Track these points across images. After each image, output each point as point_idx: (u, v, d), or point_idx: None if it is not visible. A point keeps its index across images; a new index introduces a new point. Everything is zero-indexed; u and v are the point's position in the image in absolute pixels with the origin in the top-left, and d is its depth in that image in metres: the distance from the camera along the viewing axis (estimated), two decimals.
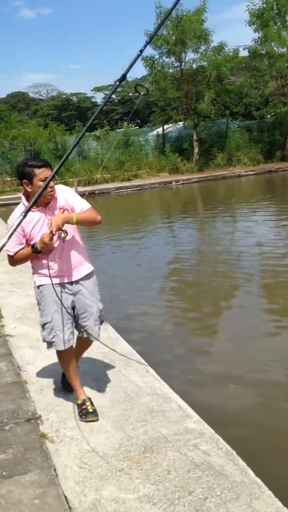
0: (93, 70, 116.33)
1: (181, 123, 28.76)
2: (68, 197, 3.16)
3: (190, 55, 24.08)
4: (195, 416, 3.10)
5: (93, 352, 4.21)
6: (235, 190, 21.07)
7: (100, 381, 3.65)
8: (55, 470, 2.57)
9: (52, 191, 3.08)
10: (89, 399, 3.23)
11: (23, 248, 3.13)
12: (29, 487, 2.41)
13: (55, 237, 3.00)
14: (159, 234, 12.25)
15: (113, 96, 66.20)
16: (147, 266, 8.93)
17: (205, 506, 2.26)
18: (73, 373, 3.27)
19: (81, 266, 3.25)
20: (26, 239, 3.12)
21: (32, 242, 3.09)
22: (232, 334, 5.43)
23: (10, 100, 67.87)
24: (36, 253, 3.06)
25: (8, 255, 3.17)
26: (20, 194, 3.29)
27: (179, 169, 24.39)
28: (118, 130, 30.70)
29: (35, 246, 3.03)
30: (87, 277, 3.27)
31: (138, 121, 61.64)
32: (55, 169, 2.76)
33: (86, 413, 3.12)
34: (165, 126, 29.23)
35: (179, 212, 15.94)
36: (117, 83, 2.74)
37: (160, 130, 28.32)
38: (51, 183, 3.03)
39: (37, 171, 3.01)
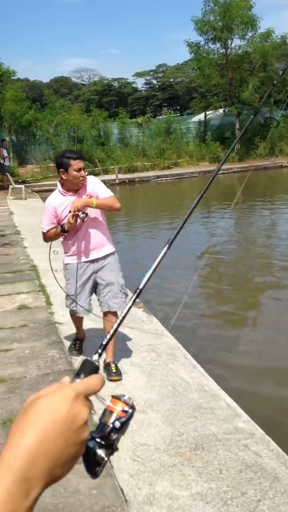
0: (134, 55, 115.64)
1: (221, 110, 28.31)
2: (95, 186, 3.68)
3: (236, 42, 23.62)
4: (244, 415, 3.12)
5: (140, 344, 4.28)
6: (277, 181, 20.64)
7: (147, 374, 3.71)
8: (110, 461, 2.65)
9: (83, 180, 3.61)
10: (114, 362, 3.75)
11: (55, 227, 3.67)
12: (86, 477, 2.48)
13: (78, 219, 3.52)
14: (200, 224, 12.18)
15: (154, 81, 65.89)
16: (182, 256, 8.92)
17: (259, 508, 2.29)
18: (80, 330, 4.11)
19: (103, 247, 3.74)
20: (57, 219, 3.66)
21: (62, 223, 3.61)
22: (276, 330, 5.39)
23: (53, 85, 68.52)
24: (64, 232, 3.62)
25: (42, 232, 3.76)
26: None
27: (219, 158, 24.06)
28: (160, 117, 30.49)
29: (63, 226, 3.57)
30: (109, 256, 3.75)
31: (178, 107, 61.04)
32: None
33: (110, 373, 3.65)
34: (206, 113, 28.83)
35: (218, 202, 15.78)
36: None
37: (201, 117, 27.95)
38: (83, 173, 3.59)
39: (73, 162, 3.54)
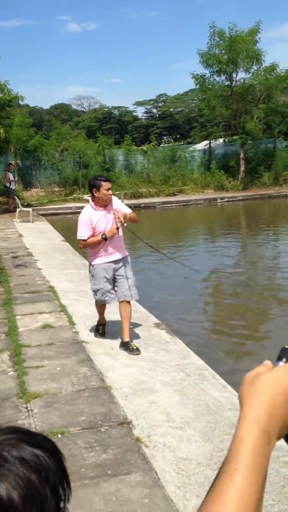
0: (136, 84, 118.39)
1: (221, 140, 28.92)
2: (118, 204, 4.78)
3: (241, 75, 24.29)
4: None
5: (168, 364, 4.38)
6: (281, 210, 20.96)
7: (180, 393, 3.80)
8: (156, 473, 2.73)
9: (110, 197, 4.64)
10: (131, 340, 4.70)
11: (92, 235, 4.59)
12: (136, 487, 2.57)
13: (120, 230, 4.62)
14: (207, 249, 12.36)
15: (154, 110, 67.35)
16: (192, 278, 9.06)
17: None
18: (103, 316, 5.06)
19: (121, 251, 4.77)
20: (93, 228, 4.58)
21: (97, 232, 4.58)
22: None
23: (54, 111, 69.79)
24: (105, 240, 4.58)
25: (81, 240, 4.64)
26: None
27: (224, 186, 24.43)
28: (164, 145, 31.09)
29: (105, 234, 4.55)
30: (125, 259, 4.81)
31: (178, 136, 62.15)
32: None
33: (132, 349, 4.58)
34: (205, 142, 29.42)
35: (223, 229, 16.01)
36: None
37: (203, 146, 28.52)
38: (110, 192, 4.63)
39: (103, 183, 4.57)
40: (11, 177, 19.25)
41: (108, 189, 4.56)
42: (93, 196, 4.65)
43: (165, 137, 57.95)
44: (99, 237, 4.56)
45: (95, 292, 4.78)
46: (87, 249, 4.85)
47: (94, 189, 4.56)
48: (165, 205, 21.86)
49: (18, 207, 16.79)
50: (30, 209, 16.92)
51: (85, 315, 5.88)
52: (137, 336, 5.10)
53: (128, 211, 4.72)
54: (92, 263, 4.75)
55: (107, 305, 4.99)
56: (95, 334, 5.08)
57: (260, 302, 7.63)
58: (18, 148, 23.22)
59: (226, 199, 22.61)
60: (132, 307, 4.90)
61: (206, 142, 29.59)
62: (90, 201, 4.72)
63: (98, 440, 3.06)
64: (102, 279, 4.67)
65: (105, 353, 4.64)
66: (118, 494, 2.50)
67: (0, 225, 15.37)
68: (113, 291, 4.72)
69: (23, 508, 0.51)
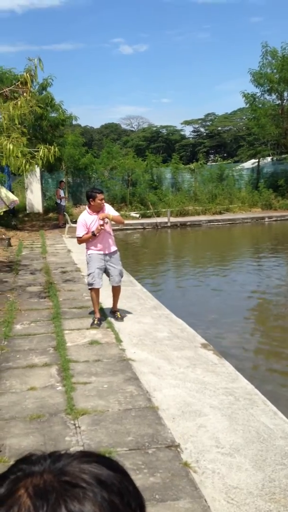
0: (184, 104, 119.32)
1: (269, 158, 28.52)
2: (109, 209, 6.08)
3: None
4: None
5: (216, 387, 4.28)
6: None
7: (228, 417, 3.70)
8: (205, 501, 2.65)
9: (102, 203, 5.95)
10: (118, 310, 6.51)
11: (86, 233, 5.92)
12: None
13: (108, 229, 6.00)
14: (252, 268, 12.12)
15: (202, 129, 67.58)
16: (236, 298, 8.87)
17: None
18: (96, 302, 6.23)
19: (111, 246, 6.10)
20: (87, 228, 5.93)
21: (91, 231, 5.88)
22: None
23: (104, 130, 71.46)
24: (94, 236, 5.88)
25: (78, 237, 6.03)
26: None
27: (272, 205, 24.02)
28: (212, 163, 31.03)
29: (94, 231, 5.86)
30: (115, 252, 6.16)
31: (225, 154, 61.92)
32: None
33: (117, 318, 6.39)
34: (253, 161, 29.11)
35: (270, 248, 15.67)
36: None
37: (251, 164, 28.23)
38: (103, 201, 5.97)
39: (98, 195, 5.92)
40: (62, 194, 19.76)
41: (101, 199, 5.94)
42: (89, 204, 5.99)
43: (212, 156, 57.87)
44: (90, 234, 5.91)
45: (88, 275, 6.19)
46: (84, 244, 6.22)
47: (91, 199, 5.93)
48: (211, 224, 21.71)
49: (68, 223, 17.17)
50: None
51: (131, 332, 5.88)
52: (184, 356, 5.04)
53: (115, 214, 6.11)
54: (88, 252, 6.13)
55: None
56: (92, 324, 6.11)
57: None
58: (70, 166, 23.86)
59: (274, 218, 22.20)
60: (178, 326, 6.21)
61: (253, 160, 29.32)
62: (87, 207, 6.09)
63: (146, 463, 3.01)
64: (95, 265, 6.02)
65: (151, 372, 4.60)
66: None
67: (50, 240, 15.78)
68: (100, 279, 6.08)
69: None
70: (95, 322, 6.14)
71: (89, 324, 6.14)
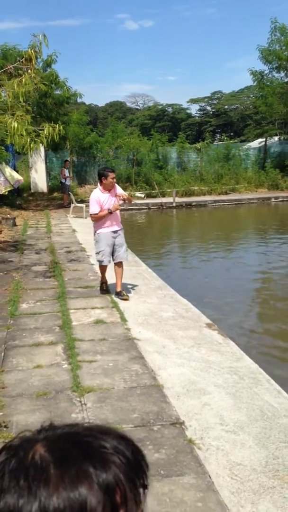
0: (190, 82, 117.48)
1: (276, 138, 28.13)
2: (119, 189, 6.31)
3: None
4: None
5: (220, 366, 4.31)
6: None
7: (233, 396, 3.73)
8: (209, 476, 2.69)
9: (114, 181, 6.17)
10: (123, 289, 6.49)
11: (101, 210, 6.13)
12: (189, 490, 2.55)
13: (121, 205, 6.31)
14: (259, 248, 12.08)
15: (208, 108, 66.60)
16: (242, 278, 8.87)
17: None
18: (105, 276, 6.61)
19: (118, 224, 6.36)
20: (100, 206, 6.13)
21: (103, 208, 6.12)
22: None
23: (108, 109, 70.61)
24: (110, 213, 6.13)
25: (93, 214, 6.19)
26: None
27: (279, 185, 23.80)
28: (219, 143, 30.66)
29: (110, 209, 6.10)
30: (121, 230, 6.43)
31: (232, 134, 61.18)
32: None
33: (122, 295, 6.34)
34: (260, 140, 28.74)
35: (277, 229, 15.58)
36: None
37: (258, 144, 27.88)
38: (114, 180, 6.19)
39: (110, 174, 6.13)
40: (67, 174, 19.64)
41: (113, 178, 6.12)
42: (101, 182, 6.15)
43: (218, 135, 57.18)
44: (105, 211, 6.11)
45: (97, 253, 6.41)
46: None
47: (103, 177, 6.10)
48: (217, 204, 21.58)
49: (72, 203, 17.12)
50: (83, 205, 17.20)
51: (136, 312, 5.91)
52: (188, 336, 5.07)
53: (125, 194, 6.41)
54: (98, 231, 6.34)
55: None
56: (101, 291, 6.62)
57: None
58: (74, 145, 23.67)
59: (280, 199, 22.03)
60: (183, 306, 6.18)
61: (260, 140, 28.94)
62: (99, 185, 6.23)
63: (151, 439, 3.05)
64: (104, 243, 6.26)
65: (156, 351, 4.63)
66: (171, 495, 2.49)
67: (54, 220, 15.76)
68: (110, 256, 6.32)
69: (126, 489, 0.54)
70: (103, 287, 6.61)
71: (99, 291, 6.64)
